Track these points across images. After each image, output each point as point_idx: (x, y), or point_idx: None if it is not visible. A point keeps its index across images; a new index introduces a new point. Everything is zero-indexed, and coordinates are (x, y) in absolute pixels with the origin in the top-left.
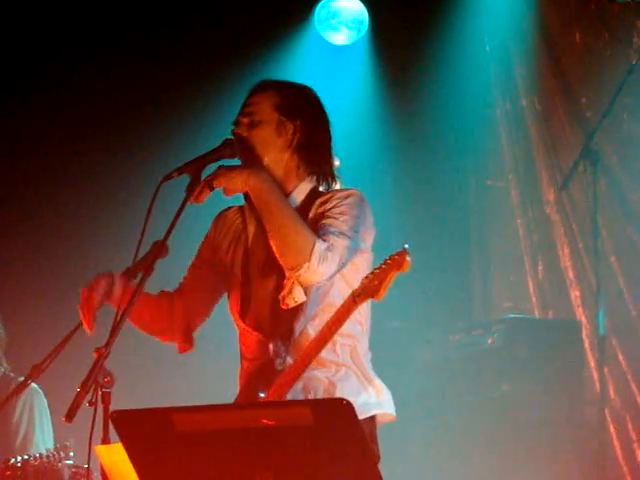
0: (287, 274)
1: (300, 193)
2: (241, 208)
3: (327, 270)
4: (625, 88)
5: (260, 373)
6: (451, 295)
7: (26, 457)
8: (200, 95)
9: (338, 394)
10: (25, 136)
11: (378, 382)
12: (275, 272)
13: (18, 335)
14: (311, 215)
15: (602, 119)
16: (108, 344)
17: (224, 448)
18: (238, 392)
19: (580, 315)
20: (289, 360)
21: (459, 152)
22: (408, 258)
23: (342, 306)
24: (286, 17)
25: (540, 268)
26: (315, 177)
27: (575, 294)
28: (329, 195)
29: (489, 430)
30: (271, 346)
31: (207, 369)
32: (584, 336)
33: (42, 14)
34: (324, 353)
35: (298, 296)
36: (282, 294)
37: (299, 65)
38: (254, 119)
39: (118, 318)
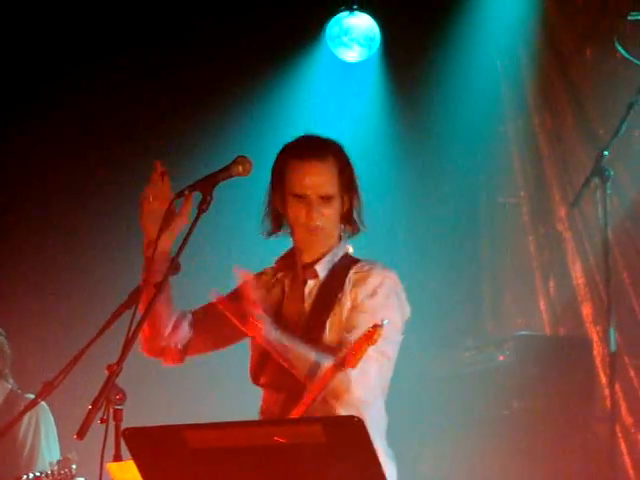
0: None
1: (339, 250)
2: (274, 267)
3: (365, 392)
4: (637, 106)
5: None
6: (462, 311)
7: (38, 474)
8: (213, 112)
9: None
10: (29, 146)
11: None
12: (296, 329)
13: (23, 352)
14: (347, 288)
15: (614, 137)
16: (120, 361)
17: (236, 465)
18: None
19: (591, 332)
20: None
21: (470, 169)
22: (378, 332)
23: (324, 375)
24: (298, 34)
25: (551, 285)
26: (346, 238)
27: (586, 311)
28: (365, 273)
29: (500, 447)
30: (273, 399)
31: (220, 386)
32: (595, 353)
33: (47, 21)
34: None
35: None
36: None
37: (311, 82)
38: (328, 199)
39: (130, 334)
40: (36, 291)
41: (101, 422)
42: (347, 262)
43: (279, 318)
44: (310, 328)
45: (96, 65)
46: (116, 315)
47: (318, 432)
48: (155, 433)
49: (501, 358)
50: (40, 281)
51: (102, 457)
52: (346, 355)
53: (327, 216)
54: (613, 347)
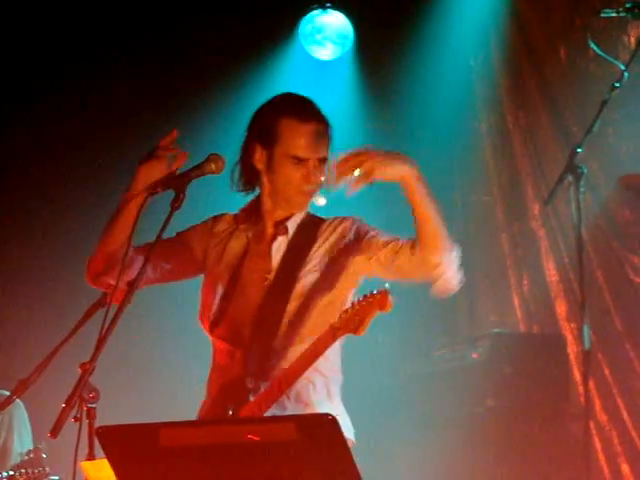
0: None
1: (299, 217)
2: (235, 217)
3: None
4: (610, 103)
5: (230, 389)
6: (436, 310)
7: (11, 472)
8: (186, 110)
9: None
10: (22, 141)
11: (339, 401)
12: (257, 289)
13: None
14: (331, 240)
15: (587, 134)
16: (93, 359)
17: (209, 463)
18: (206, 401)
19: (565, 329)
20: (261, 382)
21: (444, 167)
22: (390, 298)
23: (320, 339)
24: (271, 32)
25: (525, 282)
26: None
27: (560, 308)
28: (338, 222)
29: (473, 445)
30: (239, 356)
31: (193, 385)
32: (569, 350)
33: (39, 19)
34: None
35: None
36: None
37: (284, 80)
38: (322, 161)
39: (103, 333)
40: (8, 291)
41: (75, 420)
42: (314, 219)
43: (238, 270)
44: (281, 282)
45: (65, 66)
46: (89, 314)
47: (291, 430)
48: (128, 431)
49: (475, 356)
50: (12, 281)
51: (75, 455)
52: (350, 319)
53: (318, 181)
54: (587, 344)
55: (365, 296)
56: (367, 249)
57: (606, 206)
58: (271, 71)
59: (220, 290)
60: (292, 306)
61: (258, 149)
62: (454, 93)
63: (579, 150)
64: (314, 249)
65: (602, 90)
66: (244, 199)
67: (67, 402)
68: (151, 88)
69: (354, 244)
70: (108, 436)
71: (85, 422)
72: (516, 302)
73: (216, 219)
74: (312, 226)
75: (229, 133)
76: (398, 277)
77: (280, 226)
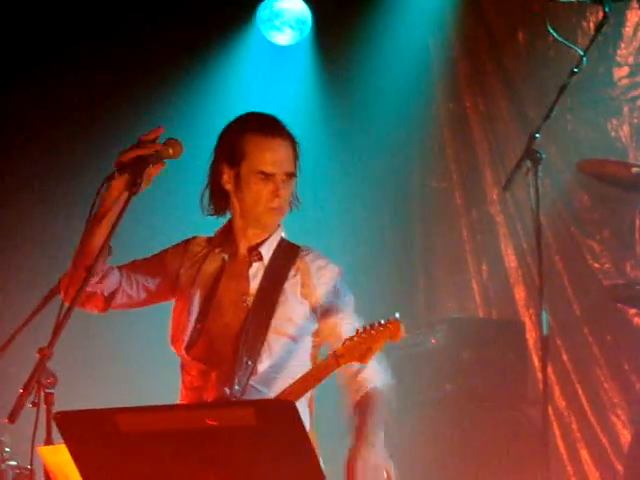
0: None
1: (280, 232)
2: (209, 240)
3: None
4: (569, 88)
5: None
6: (395, 295)
7: None
8: (144, 96)
9: None
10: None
11: None
12: (234, 310)
13: None
14: (297, 278)
15: (546, 119)
16: (51, 345)
17: (168, 448)
18: None
19: (524, 315)
20: (238, 388)
21: (402, 152)
22: (402, 328)
23: (320, 366)
24: (229, 18)
25: (484, 268)
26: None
27: (519, 294)
28: (320, 264)
29: (432, 430)
30: (216, 377)
31: (151, 370)
32: (528, 336)
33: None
34: None
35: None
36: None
37: (242, 65)
38: (289, 176)
39: (60, 318)
40: None
41: (32, 406)
42: (288, 247)
43: (214, 291)
44: (259, 310)
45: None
46: (47, 299)
47: (250, 415)
48: (86, 417)
49: (433, 341)
50: None
51: (33, 441)
52: (356, 347)
53: (286, 196)
54: (545, 330)
55: (373, 324)
56: (325, 329)
57: (564, 191)
58: (229, 57)
59: (195, 311)
60: (273, 335)
61: (226, 169)
62: (413, 79)
63: (537, 135)
64: (290, 278)
65: (561, 76)
66: (216, 222)
67: (25, 387)
68: (104, 78)
69: (325, 306)
70: (66, 421)
71: (43, 408)
72: (475, 288)
73: (189, 242)
74: (288, 252)
75: (188, 120)
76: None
77: (254, 252)
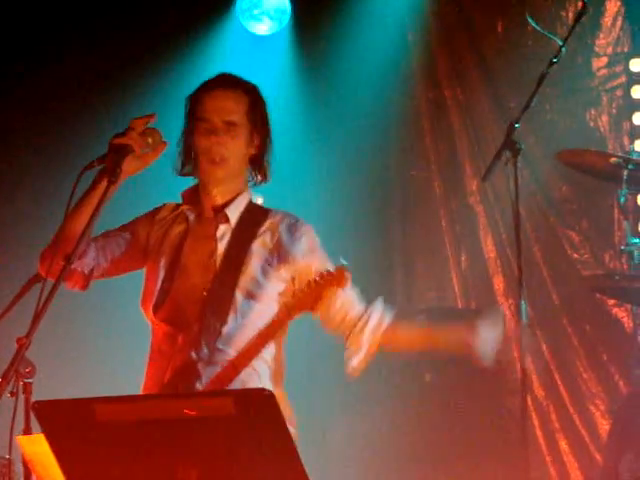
0: None
1: (248, 195)
2: (178, 205)
3: None
4: (548, 79)
5: (177, 374)
6: (373, 285)
7: None
8: (122, 85)
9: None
10: None
11: (283, 389)
12: (201, 272)
13: None
14: (268, 238)
15: (524, 109)
16: (29, 334)
17: (146, 438)
18: (146, 386)
19: (503, 305)
20: (209, 367)
21: (382, 142)
22: (347, 274)
23: (274, 320)
24: (208, 7)
25: (463, 258)
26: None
27: (498, 284)
28: (290, 221)
29: (411, 420)
30: (183, 339)
31: (129, 359)
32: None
33: None
34: None
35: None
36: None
37: (221, 55)
38: (233, 130)
39: (39, 307)
40: None
41: (11, 395)
42: (257, 209)
43: (180, 252)
44: (225, 272)
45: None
46: (26, 288)
47: (228, 405)
48: (65, 406)
49: None
50: None
51: (12, 430)
52: (306, 297)
53: (232, 148)
54: (525, 319)
55: (322, 274)
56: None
57: (543, 182)
58: (208, 47)
59: (162, 273)
60: (239, 296)
61: (186, 127)
62: (391, 69)
63: (517, 126)
64: (258, 237)
65: (539, 66)
66: None
67: (3, 377)
68: (81, 67)
69: (300, 263)
70: (44, 411)
71: (21, 397)
72: (454, 278)
73: (158, 209)
74: (257, 214)
75: (166, 110)
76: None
77: (220, 214)
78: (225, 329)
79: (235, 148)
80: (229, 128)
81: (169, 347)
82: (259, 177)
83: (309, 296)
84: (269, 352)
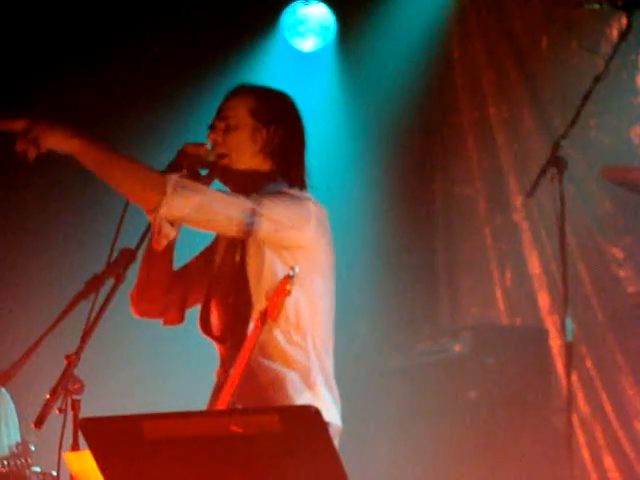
0: (151, 218)
1: (267, 191)
2: None
3: (186, 202)
4: (592, 96)
5: (220, 383)
6: (418, 302)
7: None
8: (168, 104)
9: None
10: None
11: (321, 389)
12: (232, 282)
13: None
14: None
15: (570, 126)
16: (78, 351)
17: (193, 455)
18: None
19: (548, 322)
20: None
21: (427, 159)
22: (289, 284)
23: (253, 327)
24: (254, 24)
25: (508, 275)
26: (286, 183)
27: (543, 301)
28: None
29: (456, 438)
30: (222, 350)
31: (178, 376)
32: (552, 343)
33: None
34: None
35: (169, 232)
36: (153, 238)
37: (267, 72)
38: (229, 123)
39: (89, 324)
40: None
41: (59, 412)
42: None
43: (213, 264)
44: (242, 278)
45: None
46: (72, 305)
47: (274, 422)
48: (112, 423)
49: (457, 348)
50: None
51: (60, 447)
52: (268, 306)
53: (230, 144)
54: (570, 337)
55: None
56: None
57: (588, 198)
58: (254, 63)
59: (205, 288)
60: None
61: None
62: (436, 86)
63: (562, 143)
64: None
65: (583, 82)
66: None
67: (51, 393)
68: (129, 83)
69: None
70: (91, 428)
71: (70, 414)
72: (499, 295)
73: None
74: None
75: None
76: None
77: None
78: (248, 328)
79: (233, 143)
80: (226, 125)
81: (220, 359)
82: (284, 171)
83: (271, 304)
84: (298, 357)
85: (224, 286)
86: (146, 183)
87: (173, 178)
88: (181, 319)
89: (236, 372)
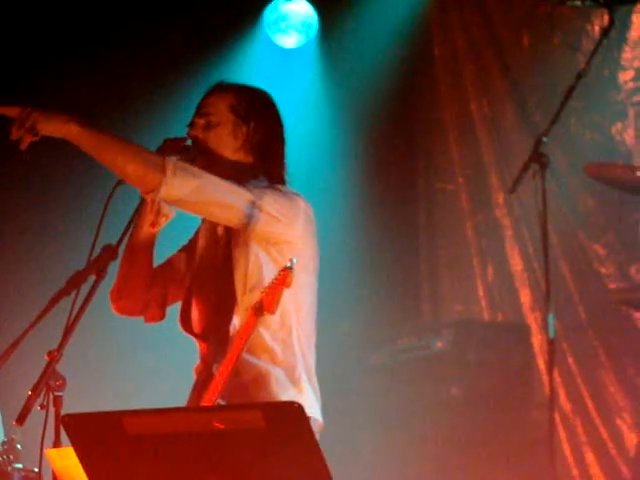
0: (149, 199)
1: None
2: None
3: (186, 183)
4: (574, 92)
5: (202, 379)
6: (400, 298)
7: None
8: (148, 100)
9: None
10: None
11: (305, 385)
12: (214, 277)
13: None
14: None
15: (552, 122)
16: (60, 347)
17: (176, 452)
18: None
19: (529, 318)
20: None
21: (408, 155)
22: (291, 274)
23: (245, 321)
24: (235, 20)
25: (490, 271)
26: (266, 179)
27: (525, 298)
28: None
29: (438, 434)
30: (204, 347)
31: (159, 372)
32: (534, 339)
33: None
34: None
35: (168, 212)
36: (150, 219)
37: (249, 68)
38: (210, 120)
39: (70, 321)
40: None
41: (41, 408)
42: None
43: (194, 260)
44: (223, 273)
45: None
46: (54, 301)
47: (258, 418)
48: (94, 420)
49: (439, 345)
50: None
51: (42, 443)
52: (264, 299)
53: (208, 139)
54: (551, 333)
55: (275, 274)
56: None
57: (569, 195)
58: (236, 59)
59: (186, 285)
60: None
61: None
62: (418, 82)
63: (545, 139)
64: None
65: (565, 79)
66: None
67: (33, 390)
68: (109, 78)
69: None
70: (73, 424)
71: (52, 410)
72: (480, 291)
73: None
74: None
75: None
76: None
77: None
78: (230, 324)
79: (214, 139)
80: (206, 122)
81: (201, 357)
82: (268, 169)
83: (267, 297)
84: (281, 353)
85: (206, 282)
86: (146, 164)
87: (172, 159)
88: (162, 316)
89: (225, 368)
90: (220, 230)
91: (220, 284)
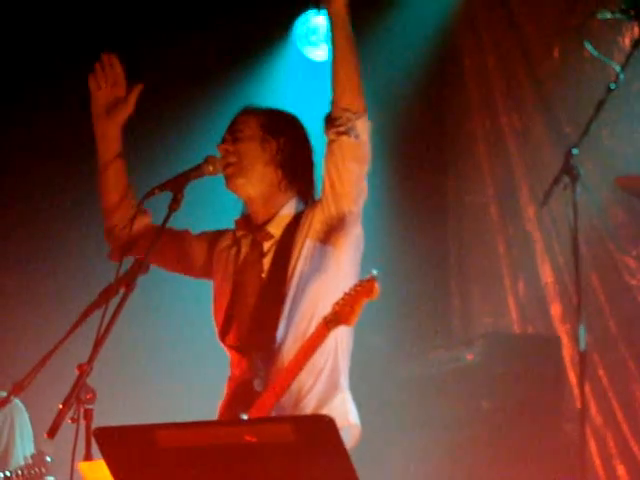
0: (339, 114)
1: (290, 209)
2: (233, 233)
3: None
4: (605, 104)
5: (239, 394)
6: (430, 311)
7: (7, 473)
8: (181, 112)
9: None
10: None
11: (347, 391)
12: (257, 290)
13: None
14: (306, 229)
15: (583, 135)
16: (90, 360)
17: (206, 464)
18: (218, 412)
19: (560, 331)
20: (267, 380)
21: (439, 168)
22: (377, 285)
23: (314, 333)
24: (266, 33)
25: (520, 284)
26: (298, 198)
27: (555, 310)
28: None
29: (468, 447)
30: (246, 363)
31: (191, 386)
32: (564, 352)
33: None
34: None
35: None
36: (337, 129)
37: (279, 81)
38: (239, 135)
39: (100, 334)
40: (5, 290)
41: (72, 421)
42: (297, 216)
43: (238, 280)
44: (273, 284)
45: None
46: (85, 315)
47: (287, 431)
48: (125, 432)
49: (470, 357)
50: (9, 280)
51: (73, 456)
52: (341, 310)
53: (239, 157)
54: (582, 346)
55: (355, 285)
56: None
57: (600, 207)
58: (267, 72)
59: (225, 303)
60: (287, 306)
61: None
62: (448, 93)
63: (575, 151)
64: (297, 243)
65: (596, 91)
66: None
67: (64, 403)
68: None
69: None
70: (105, 437)
71: (82, 423)
72: (511, 303)
73: (221, 234)
74: (295, 222)
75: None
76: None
77: (262, 232)
78: (276, 346)
79: (243, 151)
80: (236, 143)
81: (238, 372)
82: (299, 187)
83: (343, 309)
84: (321, 365)
85: (249, 295)
86: (360, 86)
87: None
88: (120, 257)
89: (285, 380)
90: (267, 245)
91: (269, 297)
